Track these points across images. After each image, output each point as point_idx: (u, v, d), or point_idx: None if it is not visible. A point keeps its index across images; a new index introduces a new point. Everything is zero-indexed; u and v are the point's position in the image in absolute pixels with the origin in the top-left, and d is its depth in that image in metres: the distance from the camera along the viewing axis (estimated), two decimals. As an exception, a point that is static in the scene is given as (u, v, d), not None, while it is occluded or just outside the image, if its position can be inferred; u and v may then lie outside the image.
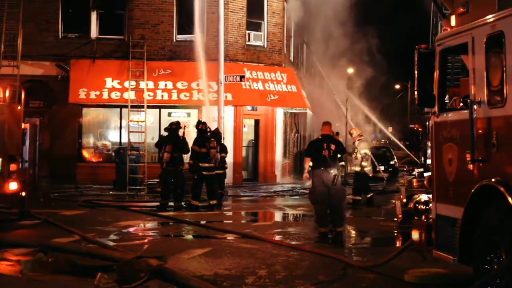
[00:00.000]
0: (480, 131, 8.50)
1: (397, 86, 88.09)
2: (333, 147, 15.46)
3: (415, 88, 9.77)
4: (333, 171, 15.31)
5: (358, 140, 23.11)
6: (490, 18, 8.55)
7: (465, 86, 9.40)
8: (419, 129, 68.21)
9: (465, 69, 10.42)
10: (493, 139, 8.24)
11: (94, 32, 30.85)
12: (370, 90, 57.13)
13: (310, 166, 16.10)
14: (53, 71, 30.41)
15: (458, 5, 9.96)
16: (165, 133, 21.75)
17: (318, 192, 15.34)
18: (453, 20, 9.93)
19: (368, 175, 23.10)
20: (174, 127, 21.32)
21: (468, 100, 8.77)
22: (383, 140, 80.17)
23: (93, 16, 30.86)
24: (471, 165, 8.56)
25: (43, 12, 30.23)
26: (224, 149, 22.82)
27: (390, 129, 63.46)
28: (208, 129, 21.68)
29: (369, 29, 50.33)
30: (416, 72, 9.73)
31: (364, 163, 22.76)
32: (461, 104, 9.36)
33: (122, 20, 31.03)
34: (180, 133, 21.51)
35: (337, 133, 17.67)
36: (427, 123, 33.45)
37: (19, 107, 18.08)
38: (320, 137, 15.98)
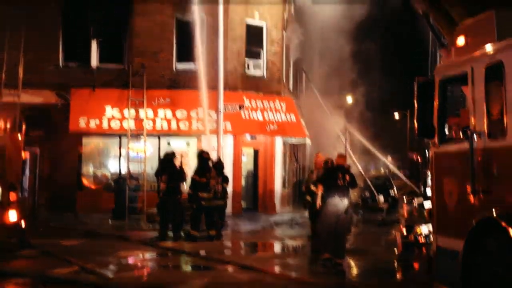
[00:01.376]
0: (480, 163, 8.49)
1: (396, 115, 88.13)
2: (347, 177, 15.70)
3: (415, 119, 9.80)
4: (346, 201, 15.58)
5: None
6: (489, 48, 8.57)
7: (465, 116, 9.39)
8: (419, 158, 68.10)
9: (465, 98, 10.46)
10: (494, 171, 8.22)
11: (94, 61, 30.91)
12: (368, 118, 57.21)
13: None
14: (54, 99, 30.40)
15: (456, 35, 9.99)
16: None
17: (327, 222, 15.54)
18: (452, 50, 9.97)
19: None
20: (169, 157, 21.35)
21: (468, 131, 8.76)
22: (382, 169, 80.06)
23: (94, 45, 30.93)
24: (472, 197, 8.53)
25: (44, 41, 30.24)
26: (225, 180, 22.77)
27: (389, 158, 63.40)
28: (210, 159, 21.65)
29: (368, 58, 50.54)
30: (415, 102, 9.75)
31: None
32: (461, 134, 9.35)
33: (122, 49, 31.09)
34: (177, 162, 21.49)
35: (349, 166, 17.63)
36: (426, 152, 33.43)
37: (19, 136, 18.12)
38: (335, 166, 16.16)
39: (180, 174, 21.25)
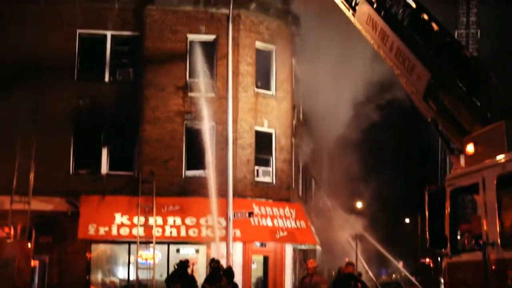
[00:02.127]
0: (494, 273, 8.39)
1: (407, 220, 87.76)
2: (359, 285, 15.70)
3: (426, 229, 9.74)
4: None
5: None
6: (500, 158, 8.59)
7: (477, 224, 9.34)
8: (431, 263, 67.46)
9: (476, 205, 10.46)
10: (508, 281, 8.11)
11: (104, 168, 31.07)
12: (379, 223, 57.02)
13: None
14: (63, 206, 30.38)
15: (466, 143, 10.03)
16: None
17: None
18: (462, 160, 10.00)
19: None
20: (184, 264, 21.24)
21: (481, 242, 8.70)
22: (393, 275, 79.19)
23: (104, 153, 31.14)
24: (488, 309, 8.41)
25: (55, 149, 30.41)
26: (235, 288, 22.51)
27: (401, 263, 62.80)
28: (221, 267, 21.52)
29: (378, 162, 50.78)
30: (426, 212, 9.72)
31: None
32: (473, 242, 9.28)
33: (132, 156, 31.28)
34: (189, 270, 21.38)
35: (360, 274, 17.63)
36: (439, 258, 33.20)
37: (29, 245, 18.12)
38: (346, 274, 16.18)
39: (192, 282, 21.12)
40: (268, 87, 33.18)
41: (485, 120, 11.75)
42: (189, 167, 31.15)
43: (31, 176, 27.15)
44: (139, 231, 29.11)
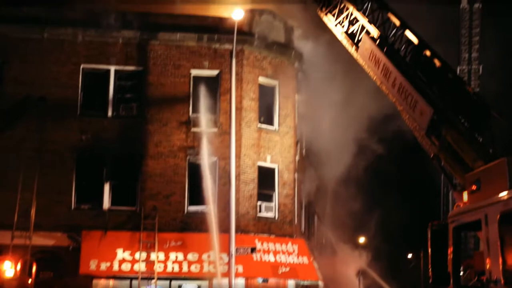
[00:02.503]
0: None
1: (410, 255, 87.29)
2: None
3: (429, 266, 9.68)
4: None
5: None
6: (503, 195, 8.55)
7: (479, 259, 9.30)
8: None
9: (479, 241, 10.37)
10: (511, 320, 8.04)
11: (106, 203, 30.99)
12: (382, 259, 56.75)
13: None
14: (65, 242, 30.26)
15: (469, 181, 10.01)
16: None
17: None
18: (465, 196, 9.96)
19: None
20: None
21: (484, 278, 8.64)
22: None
23: (106, 188, 31.08)
24: None
25: (57, 184, 30.40)
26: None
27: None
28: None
29: (381, 197, 50.64)
30: (429, 249, 9.67)
31: None
32: (476, 279, 9.22)
33: (134, 191, 31.21)
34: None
35: None
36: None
37: (29, 280, 18.00)
38: None
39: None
40: (271, 122, 33.20)
41: (487, 156, 11.73)
42: (191, 202, 31.07)
43: (33, 211, 27.11)
44: (140, 267, 28.97)
